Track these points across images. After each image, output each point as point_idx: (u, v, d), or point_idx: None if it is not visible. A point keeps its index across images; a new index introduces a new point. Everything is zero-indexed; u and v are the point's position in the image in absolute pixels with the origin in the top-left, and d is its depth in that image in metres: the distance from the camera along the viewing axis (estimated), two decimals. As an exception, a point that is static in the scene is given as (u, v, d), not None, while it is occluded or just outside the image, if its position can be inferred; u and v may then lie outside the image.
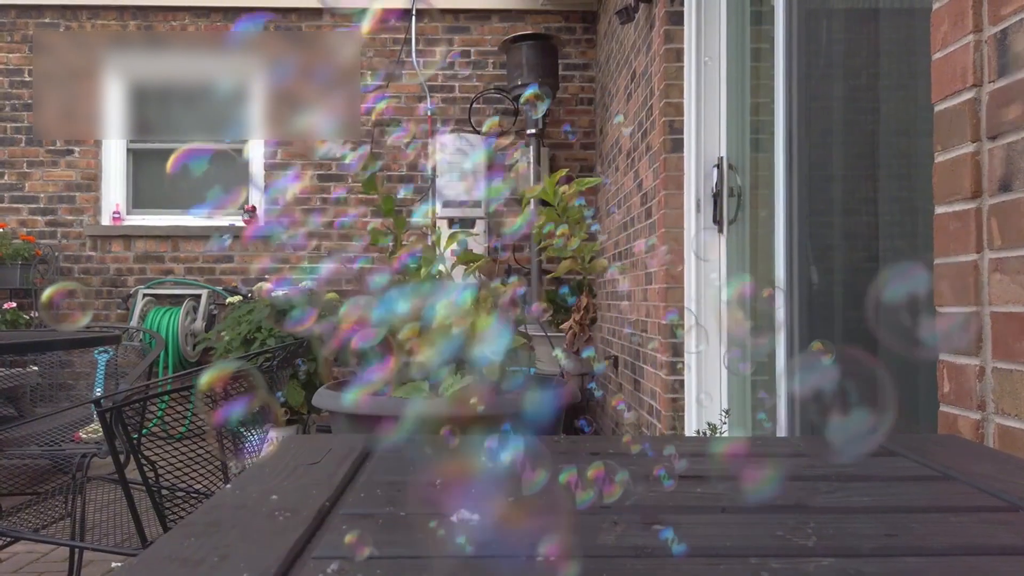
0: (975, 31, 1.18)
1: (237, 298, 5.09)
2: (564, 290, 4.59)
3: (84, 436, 3.17)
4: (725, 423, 2.46)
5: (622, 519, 0.65)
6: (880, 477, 0.83)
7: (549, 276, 2.82)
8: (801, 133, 2.19)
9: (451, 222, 5.19)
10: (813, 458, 0.95)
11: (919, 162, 1.69)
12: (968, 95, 1.20)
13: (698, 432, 2.57)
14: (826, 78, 2.29)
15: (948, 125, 1.25)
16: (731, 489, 0.76)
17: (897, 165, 2.02)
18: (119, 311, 5.51)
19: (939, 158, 1.28)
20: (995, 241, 1.14)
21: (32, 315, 5.24)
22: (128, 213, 5.68)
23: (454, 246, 2.32)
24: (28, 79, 5.57)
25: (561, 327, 2.43)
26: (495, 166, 4.94)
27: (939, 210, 1.28)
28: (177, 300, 5.41)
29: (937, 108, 1.28)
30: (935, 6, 1.29)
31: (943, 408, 1.25)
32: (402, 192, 5.33)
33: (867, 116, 2.15)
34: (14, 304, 5.16)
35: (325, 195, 5.54)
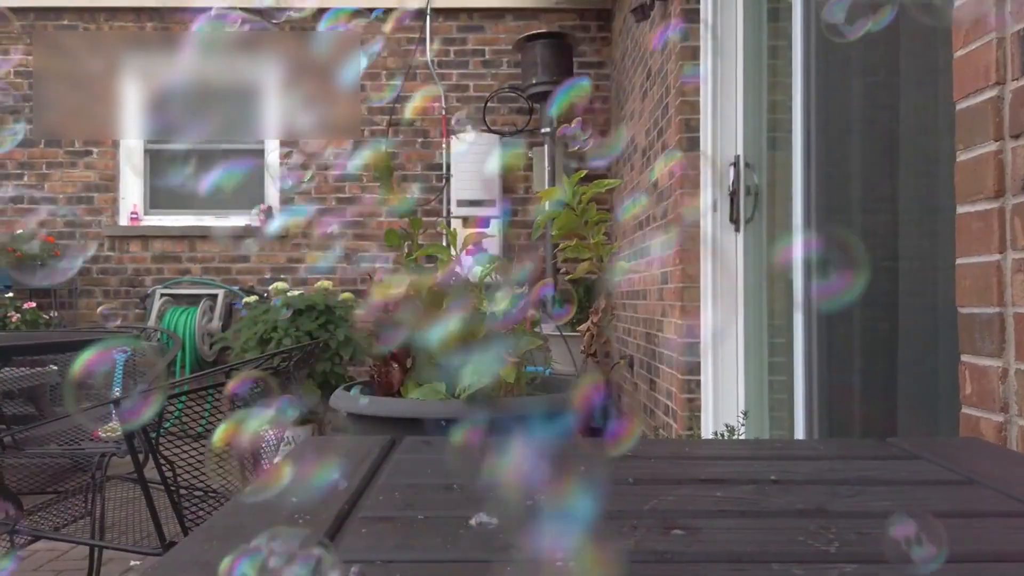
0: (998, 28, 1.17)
1: (253, 298, 5.11)
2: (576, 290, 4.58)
3: (103, 435, 3.20)
4: (743, 424, 2.44)
5: (641, 524, 0.65)
6: (902, 481, 0.82)
7: (568, 278, 2.81)
8: (819, 131, 2.17)
9: (465, 221, 5.20)
10: (833, 461, 0.94)
11: (939, 160, 1.67)
12: (991, 93, 1.18)
13: (715, 433, 2.56)
14: (844, 75, 2.27)
15: (970, 123, 1.23)
16: (751, 492, 0.75)
17: (917, 163, 2.00)
18: (137, 311, 5.55)
19: (961, 157, 1.26)
20: (1018, 241, 1.13)
21: (51, 315, 5.29)
22: (145, 214, 5.72)
23: (471, 245, 2.32)
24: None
25: (578, 328, 2.43)
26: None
27: (961, 210, 1.26)
28: (194, 300, 5.45)
29: (959, 106, 1.27)
30: (957, 3, 1.27)
31: (965, 410, 1.24)
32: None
33: (886, 113, 2.13)
34: (34, 304, 5.22)
35: (340, 194, 5.56)
